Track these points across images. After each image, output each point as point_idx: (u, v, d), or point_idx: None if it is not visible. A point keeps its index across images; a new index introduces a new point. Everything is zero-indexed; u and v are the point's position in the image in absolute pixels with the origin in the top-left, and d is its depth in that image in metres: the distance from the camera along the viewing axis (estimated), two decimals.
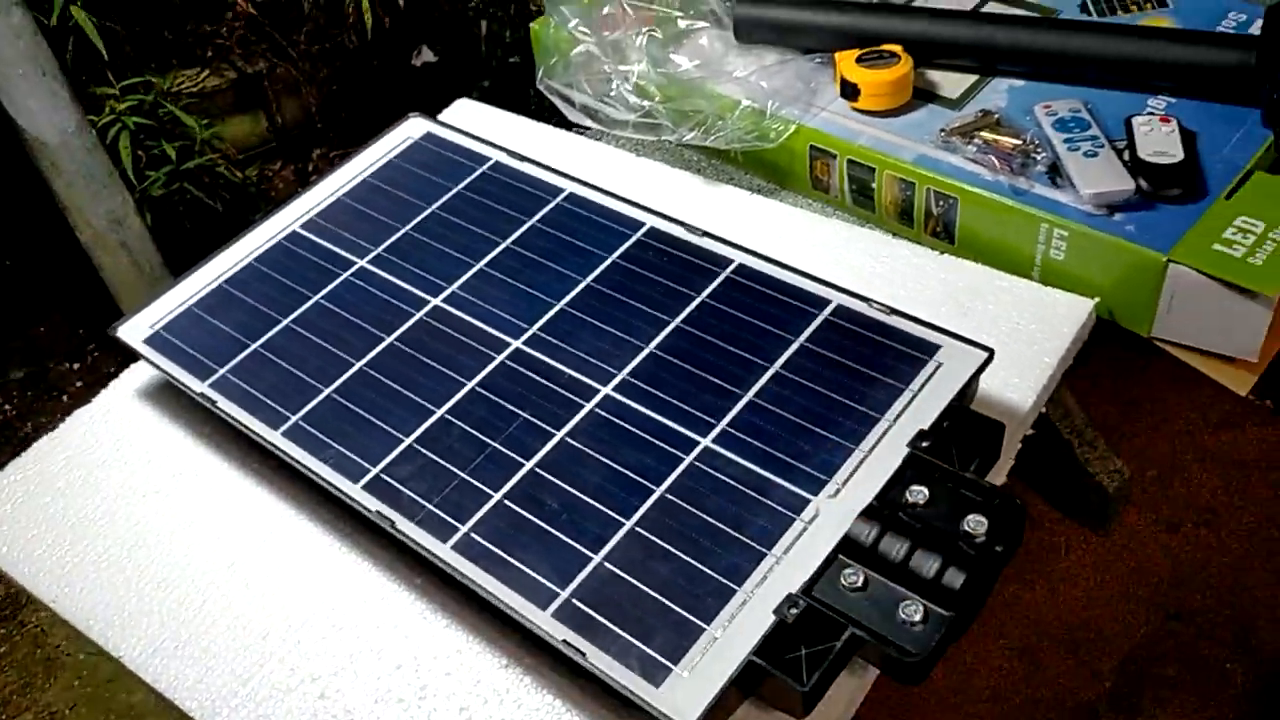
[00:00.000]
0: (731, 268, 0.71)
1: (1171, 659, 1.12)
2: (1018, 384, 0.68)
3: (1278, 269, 0.66)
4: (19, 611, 1.48)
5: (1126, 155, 0.74)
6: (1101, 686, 1.11)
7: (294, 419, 0.67)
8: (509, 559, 0.58)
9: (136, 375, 0.79)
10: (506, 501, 0.61)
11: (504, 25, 1.95)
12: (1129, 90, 0.79)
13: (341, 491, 0.63)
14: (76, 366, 1.78)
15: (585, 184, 0.79)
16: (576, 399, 0.65)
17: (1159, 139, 0.73)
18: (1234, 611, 1.14)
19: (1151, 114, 0.76)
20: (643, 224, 0.75)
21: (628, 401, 0.64)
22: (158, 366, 0.73)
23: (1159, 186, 0.71)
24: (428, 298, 0.73)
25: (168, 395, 0.77)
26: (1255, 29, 0.81)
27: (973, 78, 0.83)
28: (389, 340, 0.71)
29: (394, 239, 0.77)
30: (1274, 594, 1.13)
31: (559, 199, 0.78)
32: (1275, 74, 0.73)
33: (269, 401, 0.69)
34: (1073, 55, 0.80)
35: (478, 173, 0.81)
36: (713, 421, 0.62)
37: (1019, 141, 0.76)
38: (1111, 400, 1.22)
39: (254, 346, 0.72)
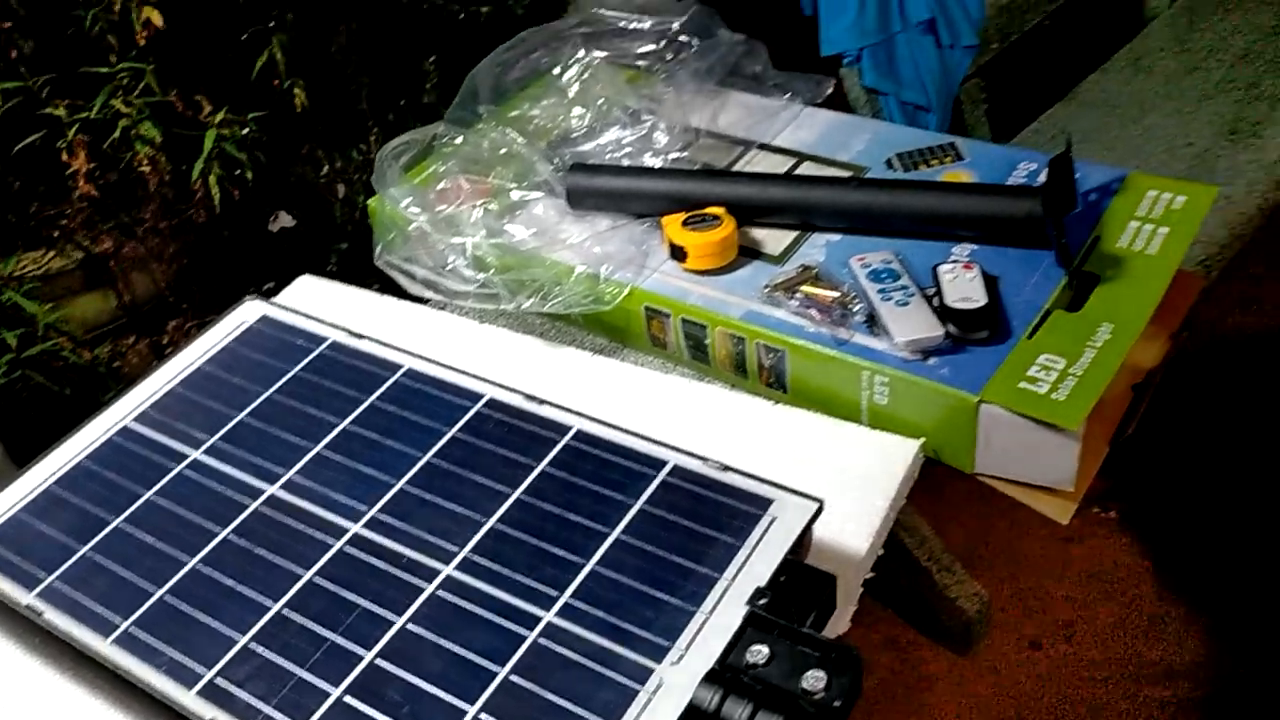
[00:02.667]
0: (570, 434, 0.72)
1: None
2: (854, 529, 0.70)
3: (1080, 403, 0.70)
4: None
5: (936, 302, 0.78)
6: None
7: (125, 626, 0.65)
8: None
9: None
10: (347, 698, 0.59)
11: (359, 189, 1.98)
12: (934, 240, 0.84)
13: (174, 701, 0.60)
14: None
15: (424, 358, 0.79)
16: (417, 581, 0.64)
17: (964, 285, 0.78)
18: None
19: (956, 262, 0.81)
20: (482, 395, 0.76)
21: (469, 580, 0.64)
22: None
23: (966, 330, 0.75)
24: (264, 486, 0.72)
25: None
26: (1043, 178, 0.88)
27: (793, 234, 0.88)
28: (224, 534, 0.69)
29: (229, 427, 0.76)
30: (1133, 706, 1.17)
31: (397, 375, 0.78)
32: (1060, 220, 0.79)
33: (99, 608, 0.66)
34: (881, 211, 0.85)
35: (315, 353, 0.81)
36: (555, 594, 0.62)
37: (837, 294, 0.80)
38: (967, 522, 1.26)
39: (83, 551, 0.70)
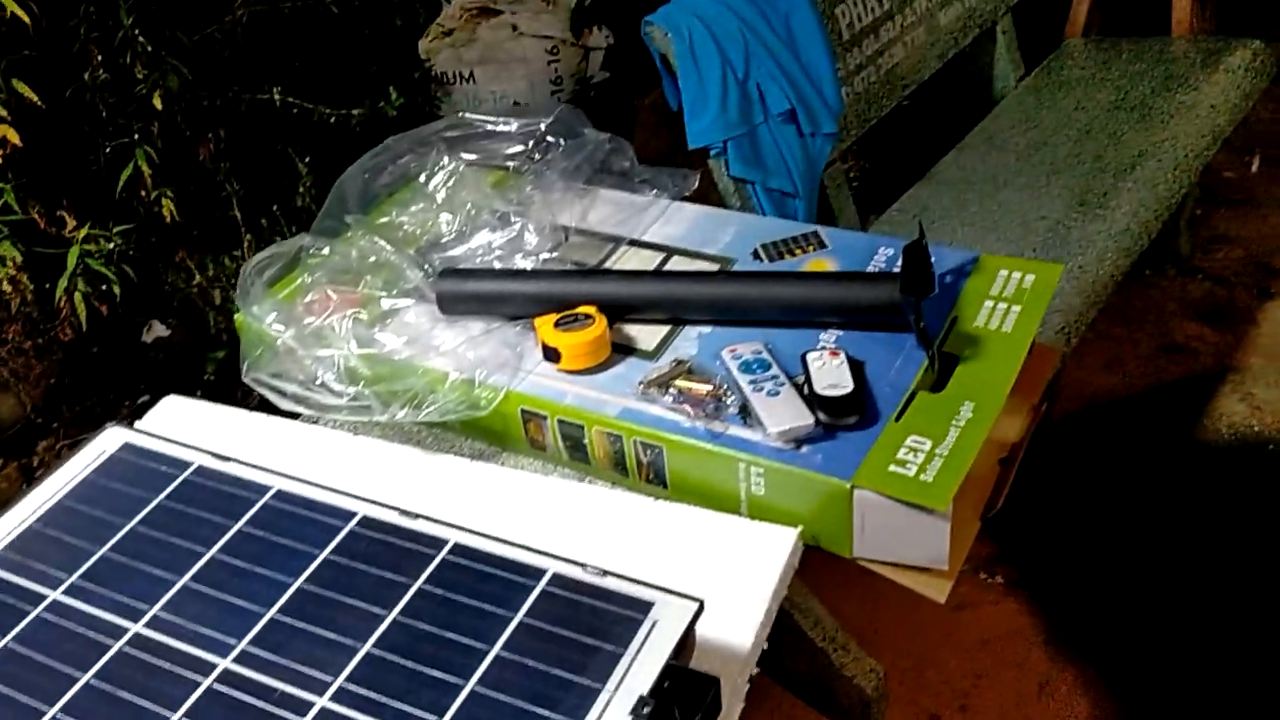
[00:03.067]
0: (447, 548, 0.71)
1: None
2: (737, 626, 0.70)
3: (947, 483, 0.71)
4: None
5: (806, 389, 0.80)
6: None
7: None
8: None
9: None
10: None
11: (233, 297, 1.94)
12: (802, 328, 0.86)
13: None
14: None
15: (294, 478, 0.77)
16: (290, 717, 0.62)
17: (831, 372, 0.80)
18: None
19: (823, 348, 0.83)
20: (354, 514, 0.74)
21: (344, 711, 0.62)
22: None
23: (836, 417, 0.77)
24: (127, 624, 0.69)
25: None
26: (900, 264, 0.91)
27: (665, 329, 0.89)
28: (85, 679, 0.66)
29: (90, 564, 0.73)
30: None
31: (266, 498, 0.76)
32: (919, 304, 0.82)
33: None
34: (749, 302, 0.87)
35: (179, 480, 0.79)
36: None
37: (710, 387, 0.81)
38: (860, 598, 1.27)
39: None
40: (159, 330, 2.21)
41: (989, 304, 0.86)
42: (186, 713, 0.63)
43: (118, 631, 0.68)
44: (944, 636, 1.29)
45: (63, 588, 0.72)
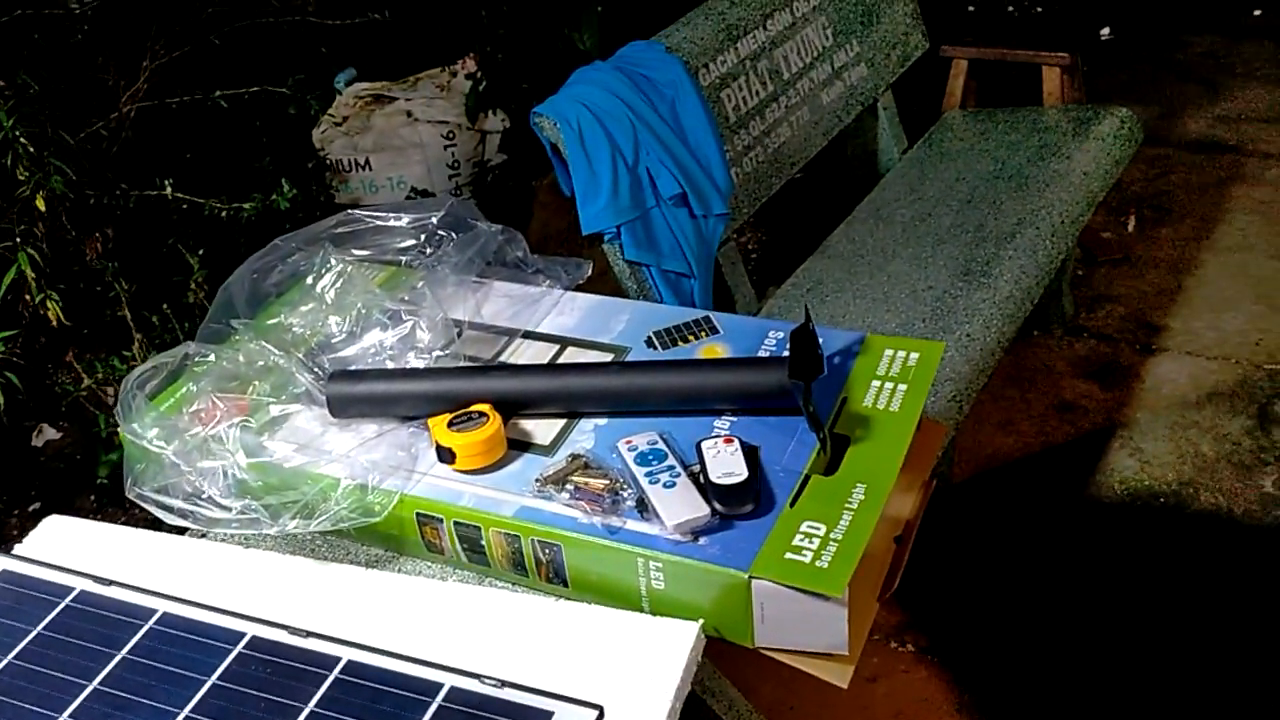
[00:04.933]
0: (340, 667, 0.69)
1: None
2: None
3: (842, 568, 0.72)
4: None
5: (701, 478, 0.80)
6: None
7: None
8: None
9: None
10: None
11: None
12: (696, 415, 0.87)
13: None
14: None
15: (180, 600, 0.75)
16: None
17: (725, 460, 0.80)
18: None
19: (717, 436, 0.84)
20: (243, 635, 0.72)
21: None
22: None
23: (731, 506, 0.77)
24: None
25: None
26: (788, 349, 0.93)
27: (561, 422, 0.89)
28: None
29: None
30: None
31: (150, 623, 0.73)
32: (808, 387, 0.83)
33: None
34: (642, 392, 0.87)
35: (60, 606, 0.76)
36: None
37: (606, 481, 0.81)
38: (773, 677, 1.27)
39: None
40: (49, 434, 2.14)
41: (876, 383, 0.88)
42: None
43: None
44: (859, 710, 1.30)
45: None
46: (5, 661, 0.72)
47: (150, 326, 1.87)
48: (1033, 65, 2.18)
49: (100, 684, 0.70)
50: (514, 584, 0.83)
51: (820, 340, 0.88)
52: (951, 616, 1.49)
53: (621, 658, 0.74)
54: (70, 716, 0.68)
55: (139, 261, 1.94)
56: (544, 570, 0.81)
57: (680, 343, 0.96)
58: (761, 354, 0.93)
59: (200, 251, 1.96)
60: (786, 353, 0.91)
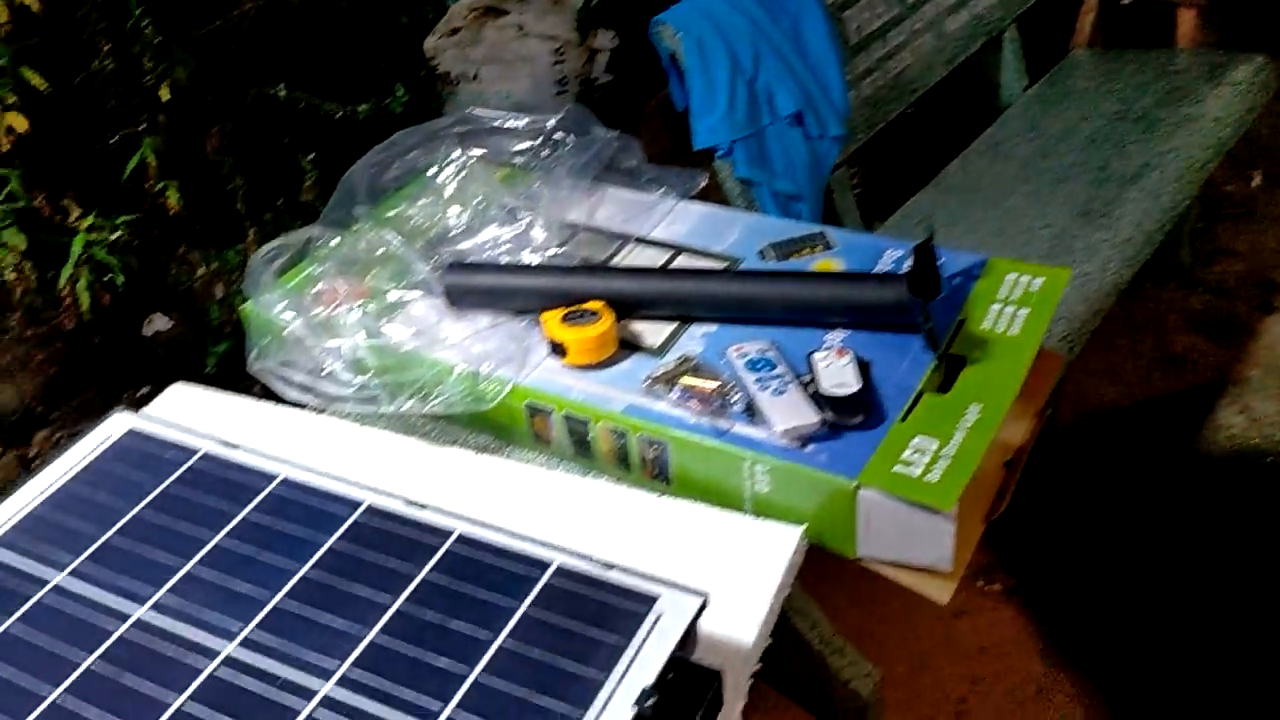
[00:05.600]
0: (452, 539, 0.71)
1: None
2: (740, 622, 0.70)
3: (953, 485, 0.72)
4: None
5: (812, 389, 0.80)
6: None
7: None
8: None
9: None
10: None
11: (236, 291, 1.94)
12: (808, 328, 0.86)
13: None
14: None
15: (300, 467, 0.77)
16: (294, 702, 0.62)
17: (837, 372, 0.80)
18: None
19: (829, 348, 0.83)
20: (360, 502, 0.74)
21: (349, 698, 0.62)
22: None
23: (841, 416, 0.77)
24: (131, 609, 0.69)
25: None
26: (909, 265, 0.91)
27: (672, 326, 0.89)
28: (88, 662, 0.66)
29: (94, 548, 0.73)
30: None
31: (272, 485, 0.76)
32: (927, 305, 0.82)
33: None
34: (756, 301, 0.87)
35: (185, 466, 0.79)
36: (439, 707, 0.61)
37: (716, 384, 0.81)
38: (857, 603, 1.27)
39: None
40: (160, 323, 2.21)
41: (996, 307, 0.87)
42: (190, 697, 0.63)
43: (121, 616, 0.68)
44: (941, 642, 1.29)
45: (66, 571, 0.72)
46: (133, 514, 0.76)
47: (263, 223, 1.92)
48: (1166, 6, 2.09)
49: (223, 539, 0.73)
50: (617, 479, 0.84)
51: (940, 260, 0.87)
52: (1042, 560, 1.47)
53: (722, 556, 0.74)
54: (196, 566, 0.71)
55: (254, 158, 1.97)
56: (648, 467, 0.82)
57: (794, 256, 0.95)
58: (878, 272, 0.92)
59: (312, 154, 2.00)
60: (904, 271, 0.90)
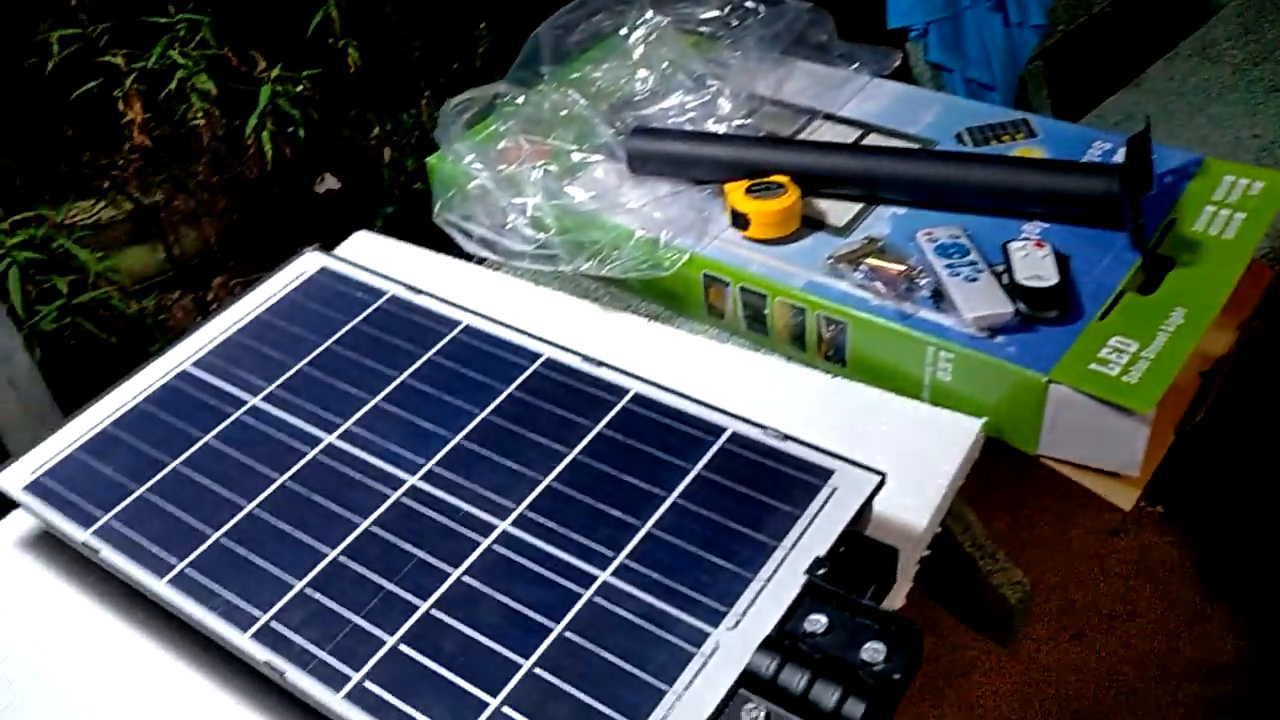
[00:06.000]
0: (628, 397, 0.71)
1: None
2: (912, 505, 0.69)
3: (1152, 387, 0.68)
4: None
5: (1005, 279, 0.77)
6: None
7: (180, 566, 0.65)
8: (406, 708, 0.56)
9: (15, 524, 0.76)
10: (402, 646, 0.59)
11: (406, 153, 1.97)
12: (1004, 217, 0.83)
13: (230, 642, 0.61)
14: None
15: (482, 316, 0.79)
16: (473, 536, 0.64)
17: (1034, 263, 0.77)
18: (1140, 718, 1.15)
19: (1026, 239, 0.80)
20: (540, 355, 0.75)
21: (525, 536, 0.64)
22: (38, 515, 0.70)
23: (1036, 309, 0.74)
24: (321, 435, 0.72)
25: (50, 545, 0.74)
26: (1118, 158, 0.86)
27: (858, 206, 0.86)
28: (280, 480, 0.69)
29: (288, 376, 0.76)
30: (1172, 702, 1.15)
31: (455, 332, 0.78)
32: (1137, 200, 0.77)
33: (155, 549, 0.66)
34: (951, 184, 0.84)
35: (374, 307, 0.81)
36: (611, 554, 0.62)
37: (903, 267, 0.79)
38: (1008, 510, 1.24)
39: (140, 491, 0.70)
40: (330, 182, 2.28)
41: (1210, 209, 0.81)
42: (375, 521, 0.66)
43: (313, 440, 0.71)
44: (1096, 560, 1.26)
45: (261, 395, 0.75)
46: (324, 347, 0.78)
47: (437, 87, 1.94)
48: None
49: (409, 378, 0.75)
50: (789, 357, 0.83)
51: (1153, 156, 0.81)
52: (1211, 485, 1.41)
53: (897, 441, 0.73)
54: (383, 401, 0.73)
55: (432, 23, 1.98)
56: (824, 347, 0.81)
57: (993, 141, 0.91)
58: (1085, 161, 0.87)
59: (483, 24, 2.00)
60: (1113, 163, 0.85)
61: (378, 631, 0.60)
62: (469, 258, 0.93)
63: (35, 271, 1.49)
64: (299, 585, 0.63)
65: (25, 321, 1.49)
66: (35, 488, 0.71)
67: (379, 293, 0.82)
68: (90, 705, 0.65)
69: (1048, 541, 1.26)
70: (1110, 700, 1.14)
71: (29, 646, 0.68)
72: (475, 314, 0.79)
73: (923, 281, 0.78)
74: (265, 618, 0.61)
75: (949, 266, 0.78)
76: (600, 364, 0.74)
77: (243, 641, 0.61)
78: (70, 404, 1.57)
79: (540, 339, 0.76)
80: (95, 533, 0.68)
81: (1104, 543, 1.28)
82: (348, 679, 0.58)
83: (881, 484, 0.63)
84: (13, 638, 0.69)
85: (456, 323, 0.79)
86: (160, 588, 0.64)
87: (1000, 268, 0.78)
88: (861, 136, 0.93)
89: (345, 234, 0.99)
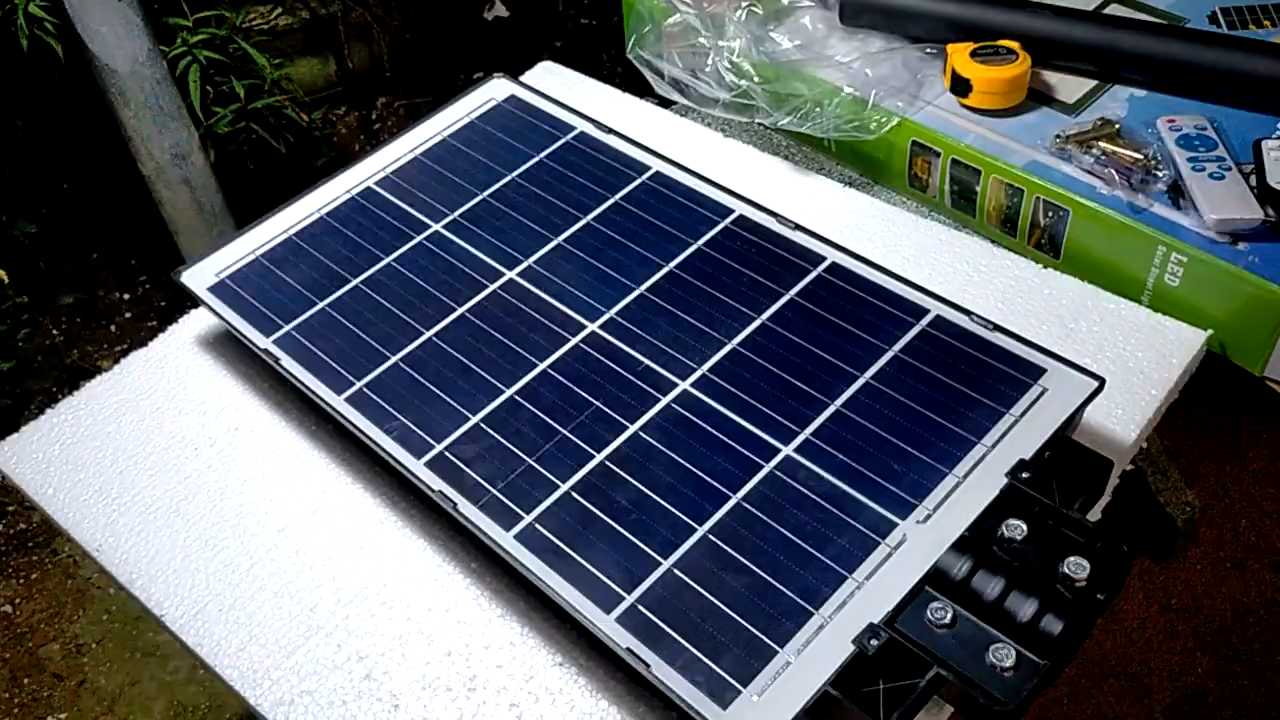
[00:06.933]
0: (824, 265, 0.67)
1: (1227, 704, 1.08)
2: (1121, 416, 0.64)
3: None
4: (52, 540, 1.48)
5: (1254, 180, 0.69)
6: None
7: (358, 385, 0.65)
8: (574, 555, 0.55)
9: (196, 321, 0.77)
10: (574, 494, 0.58)
11: None
12: (1259, 111, 0.74)
13: (404, 467, 0.60)
14: (127, 297, 1.78)
15: (673, 163, 0.75)
16: (652, 391, 0.62)
17: None
18: None
19: None
20: (731, 211, 0.71)
21: (706, 399, 0.61)
22: (221, 317, 0.70)
23: None
24: (503, 270, 0.70)
25: (228, 346, 0.75)
26: None
27: (1091, 83, 0.78)
28: (460, 311, 0.68)
29: (471, 204, 0.74)
30: None
31: (645, 177, 0.74)
32: None
33: (333, 364, 0.66)
34: (1202, 68, 0.75)
35: (561, 142, 0.78)
36: (796, 429, 0.59)
37: (1140, 156, 0.72)
38: (1186, 427, 1.18)
39: (321, 305, 0.69)
40: (499, 9, 2.22)
41: None
42: (552, 365, 0.64)
43: (493, 274, 0.70)
44: (1271, 486, 1.19)
45: (444, 222, 0.74)
46: (509, 178, 0.76)
47: None
48: None
49: (593, 220, 0.72)
50: (996, 241, 0.77)
51: None
52: None
53: (1110, 345, 0.68)
54: (566, 241, 0.71)
55: None
56: (1037, 234, 0.75)
57: (1252, 26, 0.81)
58: None
59: None
60: None
61: (551, 476, 0.59)
62: (657, 99, 0.88)
63: (214, 72, 1.50)
64: (474, 419, 0.62)
65: (202, 123, 1.50)
66: (220, 289, 0.72)
67: (567, 127, 0.79)
68: (257, 507, 0.66)
69: (1223, 466, 1.19)
70: (1263, 639, 1.09)
71: (203, 442, 0.70)
72: (666, 160, 0.75)
73: (1160, 174, 0.71)
74: (440, 447, 0.61)
75: (1192, 160, 0.70)
76: (796, 226, 0.69)
77: (417, 468, 0.60)
78: (239, 207, 1.60)
79: (733, 194, 0.72)
80: (276, 341, 0.68)
81: None
82: (519, 518, 0.57)
83: (1099, 390, 0.58)
84: (188, 429, 0.70)
85: (646, 167, 0.75)
86: (339, 403, 0.64)
87: (1249, 167, 0.70)
88: (1103, 5, 0.84)
89: (511, 63, 0.95)
